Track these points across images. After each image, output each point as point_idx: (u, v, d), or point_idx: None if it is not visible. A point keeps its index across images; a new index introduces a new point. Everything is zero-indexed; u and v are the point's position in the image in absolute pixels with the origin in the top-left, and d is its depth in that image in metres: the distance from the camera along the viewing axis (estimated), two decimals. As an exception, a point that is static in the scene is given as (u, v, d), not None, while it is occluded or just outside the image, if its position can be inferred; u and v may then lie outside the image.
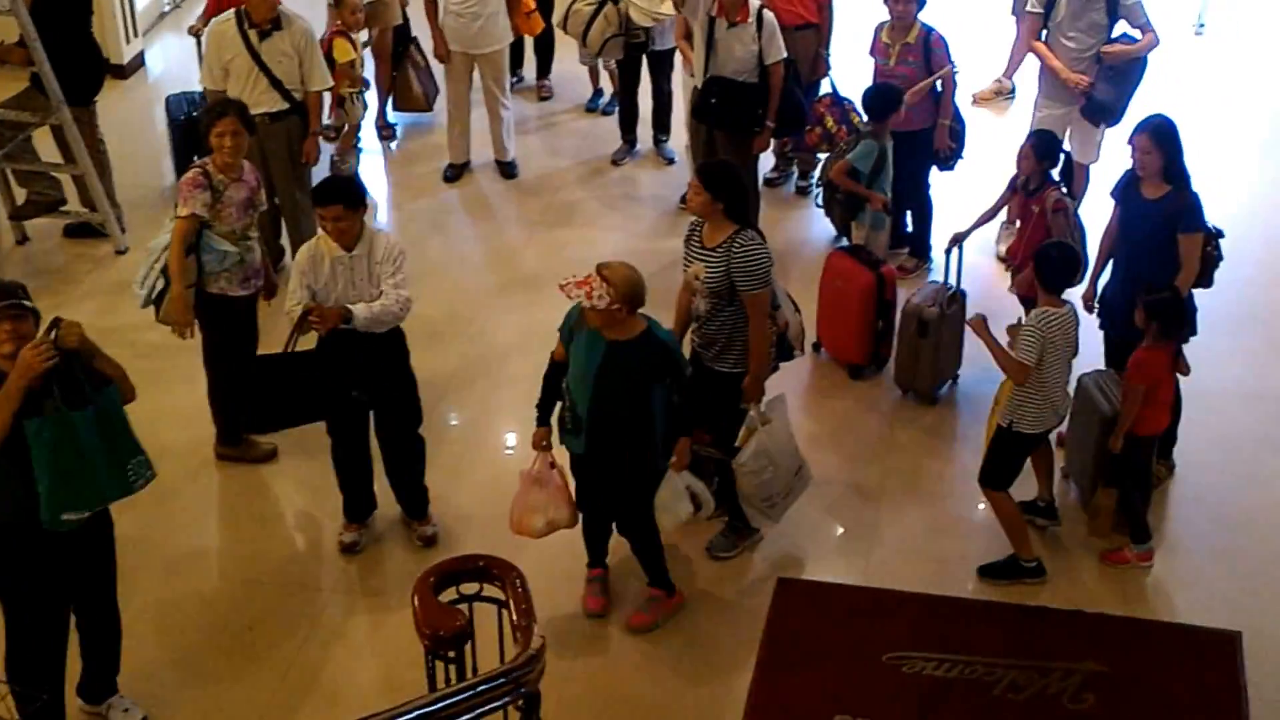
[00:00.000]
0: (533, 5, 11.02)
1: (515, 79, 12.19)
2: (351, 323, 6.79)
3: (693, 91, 9.52)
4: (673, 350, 6.49)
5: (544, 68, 12.17)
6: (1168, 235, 7.43)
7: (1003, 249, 9.63)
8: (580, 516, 6.91)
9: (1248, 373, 8.82)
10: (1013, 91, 11.82)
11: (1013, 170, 8.35)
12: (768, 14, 9.11)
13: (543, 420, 6.77)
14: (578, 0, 10.63)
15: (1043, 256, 7.06)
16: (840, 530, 7.73)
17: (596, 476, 6.75)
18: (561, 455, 6.83)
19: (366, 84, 10.59)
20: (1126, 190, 7.63)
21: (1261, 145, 11.46)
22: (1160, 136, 7.40)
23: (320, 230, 6.92)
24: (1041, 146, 8.20)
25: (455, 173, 10.86)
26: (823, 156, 10.26)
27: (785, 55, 9.20)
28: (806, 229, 10.27)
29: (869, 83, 9.36)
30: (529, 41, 11.87)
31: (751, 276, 6.79)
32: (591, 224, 10.37)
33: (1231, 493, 7.92)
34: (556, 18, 10.98)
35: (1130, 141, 7.52)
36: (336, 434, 7.30)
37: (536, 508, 6.82)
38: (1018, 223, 8.59)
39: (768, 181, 10.65)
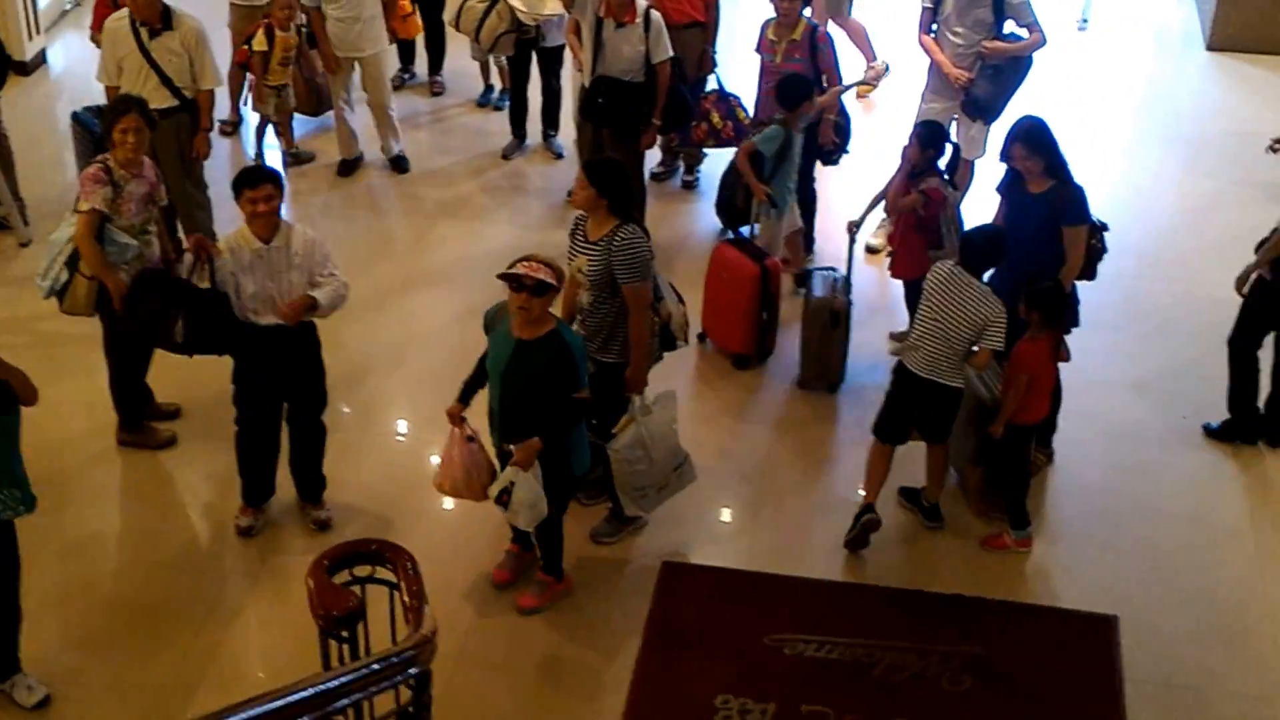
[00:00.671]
0: (409, 8, 11.04)
1: (408, 75, 12.22)
2: (316, 310, 6.96)
3: (580, 90, 9.54)
4: (575, 353, 6.50)
5: (435, 64, 12.16)
6: (1052, 229, 7.54)
7: (879, 240, 9.72)
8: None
9: (1128, 364, 8.97)
10: (887, 69, 11.96)
11: (896, 164, 8.49)
12: (655, 14, 9.16)
13: (462, 398, 6.82)
14: (469, -2, 10.66)
15: (965, 242, 7.26)
16: (725, 515, 7.82)
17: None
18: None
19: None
20: (1011, 185, 7.75)
21: (1142, 138, 11.64)
22: (1033, 142, 7.52)
23: (242, 221, 6.97)
24: (927, 135, 8.34)
25: (348, 168, 10.83)
26: (708, 152, 10.38)
27: (671, 54, 9.25)
28: (693, 223, 10.35)
29: (754, 79, 9.47)
30: (420, 37, 11.88)
31: (631, 269, 6.87)
32: (481, 217, 10.40)
33: (1110, 481, 8.05)
34: (448, 15, 10.96)
35: (1006, 154, 7.65)
36: (247, 422, 7.32)
37: (447, 473, 6.86)
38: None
39: (654, 176, 10.71)
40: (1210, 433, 8.33)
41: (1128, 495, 7.94)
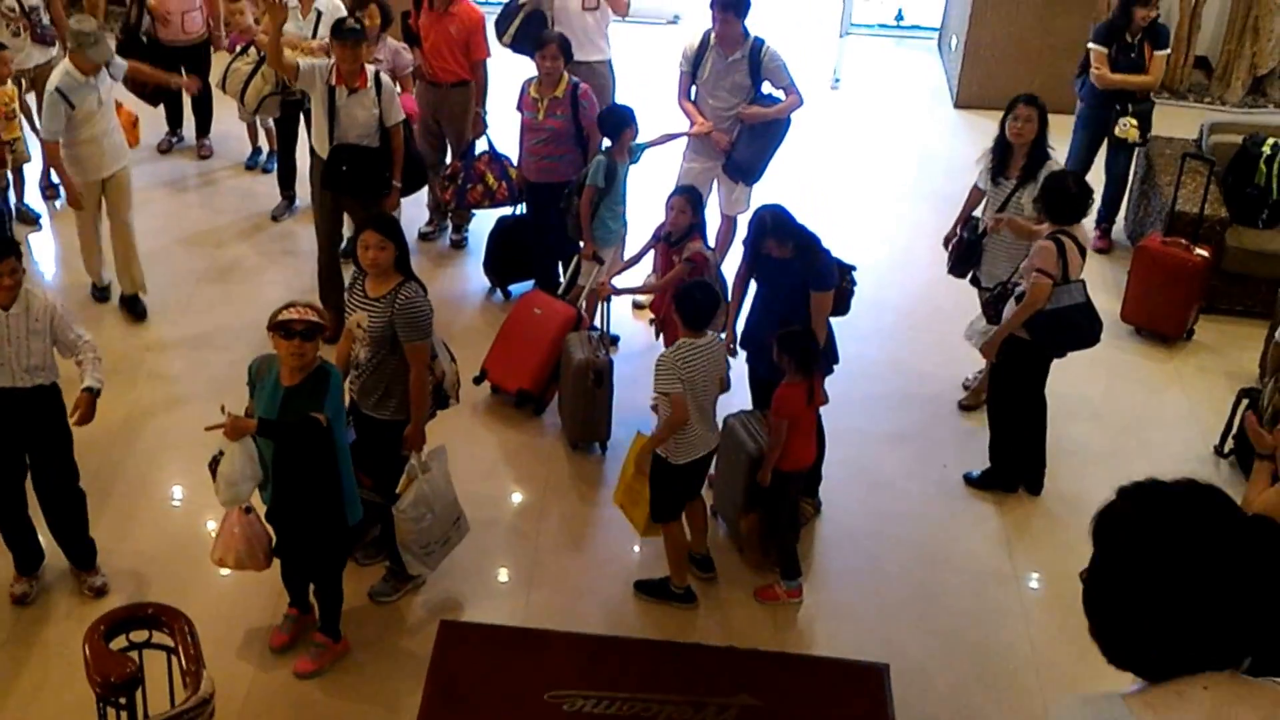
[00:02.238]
0: (134, 118, 10.75)
1: (175, 139, 12.11)
2: (99, 393, 7.02)
3: (316, 162, 9.34)
4: (331, 378, 6.46)
5: (203, 127, 12.09)
6: (801, 287, 7.75)
7: (645, 297, 9.83)
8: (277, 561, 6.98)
9: (889, 415, 9.22)
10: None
11: (658, 219, 8.69)
12: (384, 77, 9.14)
13: None
14: (236, 60, 10.61)
15: (684, 295, 7.25)
16: (502, 572, 7.88)
17: (287, 525, 6.77)
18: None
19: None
20: (758, 243, 7.88)
21: (898, 193, 12.00)
22: (781, 232, 7.71)
23: None
24: (696, 202, 8.51)
25: (102, 293, 10.17)
26: (476, 212, 10.52)
27: (404, 116, 9.28)
28: (463, 282, 10.45)
29: (517, 137, 9.66)
30: (187, 101, 11.81)
31: (414, 327, 6.93)
32: (253, 279, 10.35)
33: (876, 529, 8.26)
34: (215, 78, 10.94)
35: (758, 247, 7.81)
36: None
37: (230, 546, 6.82)
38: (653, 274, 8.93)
39: (423, 236, 10.82)
40: (971, 482, 8.59)
41: (894, 543, 8.14)
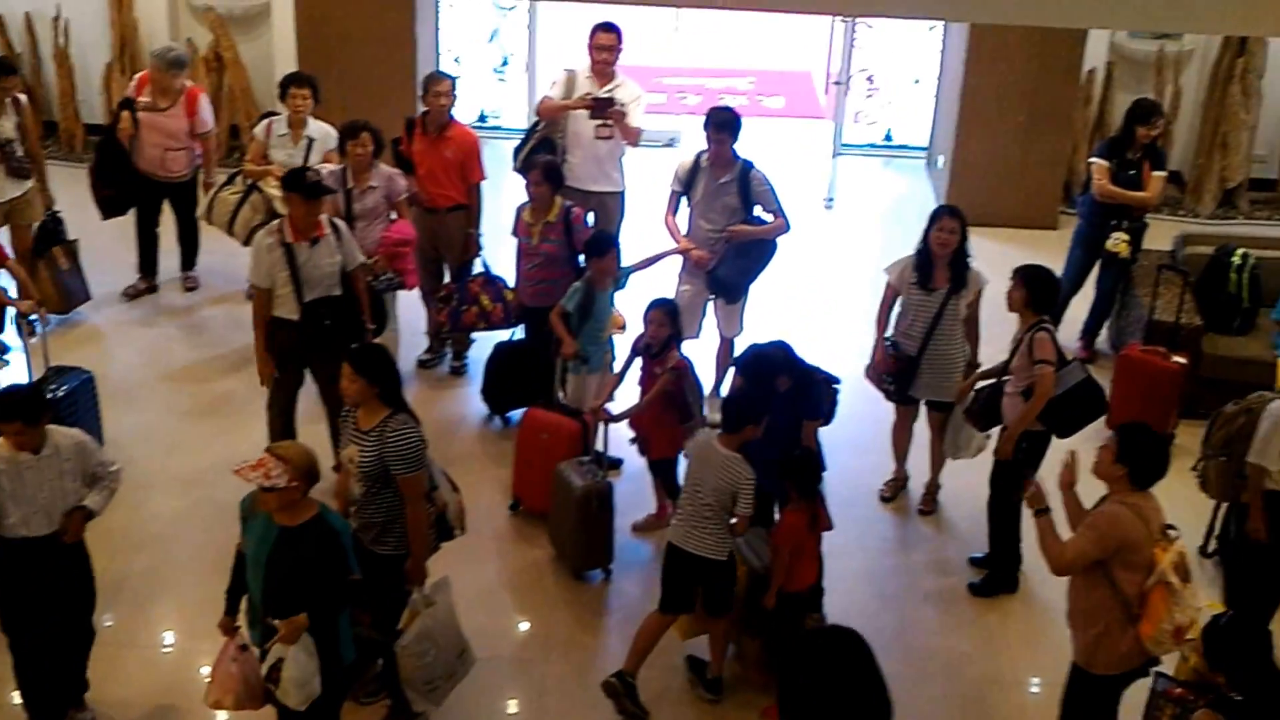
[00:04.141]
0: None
1: (147, 286, 11.89)
2: (95, 516, 6.96)
3: (283, 331, 8.80)
4: (342, 537, 6.37)
5: (189, 260, 11.96)
6: (794, 417, 7.94)
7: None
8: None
9: (889, 525, 9.25)
10: None
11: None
12: (338, 221, 8.97)
13: (230, 609, 6.65)
14: (223, 189, 10.58)
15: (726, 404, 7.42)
16: (510, 704, 7.72)
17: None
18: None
19: None
20: (765, 377, 7.93)
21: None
22: (759, 374, 7.84)
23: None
24: (673, 314, 8.50)
25: None
26: (476, 337, 10.44)
27: (362, 258, 9.09)
28: (463, 407, 10.34)
29: (514, 260, 9.67)
30: (168, 236, 11.71)
31: (405, 460, 6.80)
32: (241, 411, 10.15)
33: (883, 641, 8.11)
34: (200, 210, 10.89)
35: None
36: (20, 642, 7.08)
37: (228, 687, 6.62)
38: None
39: (422, 363, 10.72)
40: (976, 591, 8.61)
41: (902, 654, 8.05)
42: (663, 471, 8.79)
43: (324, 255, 8.69)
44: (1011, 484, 8.20)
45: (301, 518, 6.24)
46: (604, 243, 9.15)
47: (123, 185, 11.19)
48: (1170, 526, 6.55)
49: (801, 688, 4.37)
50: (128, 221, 11.56)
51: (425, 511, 7.01)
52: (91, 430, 8.57)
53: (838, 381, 8.30)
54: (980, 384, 8.61)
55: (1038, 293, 8.15)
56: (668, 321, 8.45)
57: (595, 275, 8.99)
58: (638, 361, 8.74)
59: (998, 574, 8.62)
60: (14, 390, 7.18)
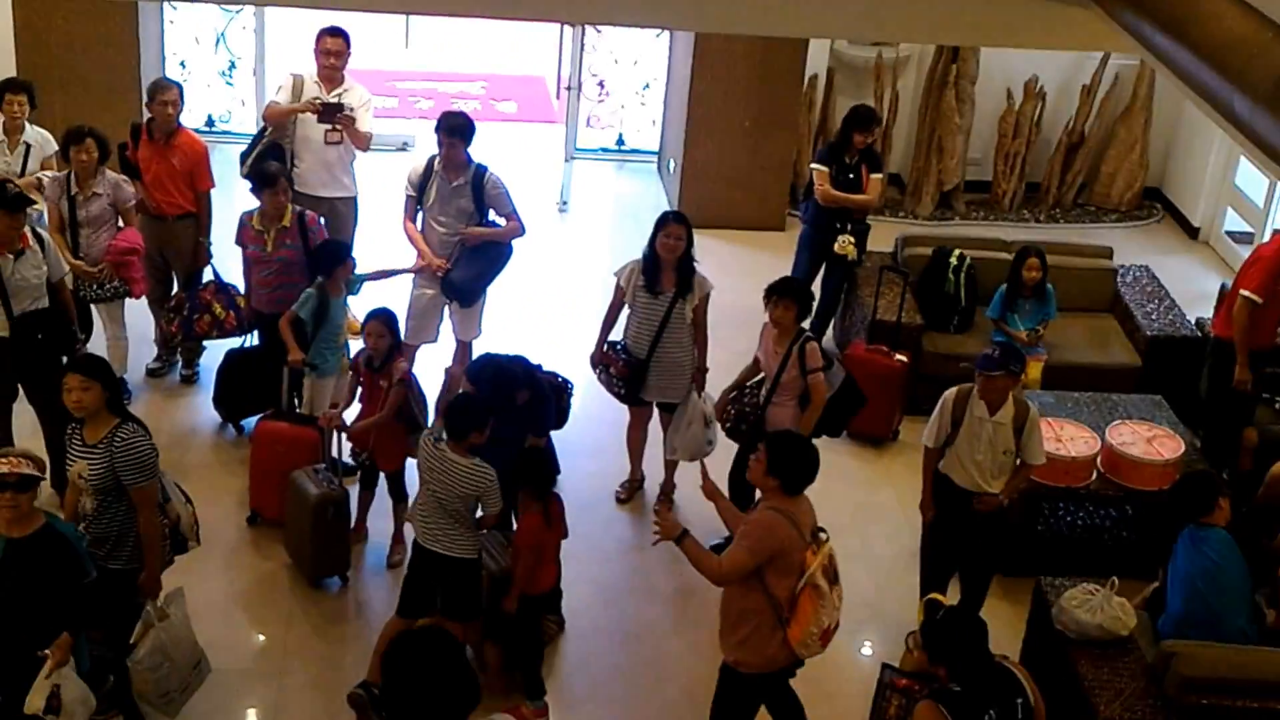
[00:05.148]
0: None
1: None
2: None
3: None
4: (73, 544, 6.28)
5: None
6: (524, 427, 8.14)
7: None
8: None
9: (625, 529, 9.37)
10: None
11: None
12: (41, 231, 8.75)
13: None
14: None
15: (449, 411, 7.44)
16: (249, 715, 7.69)
17: (13, 682, 6.36)
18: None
19: None
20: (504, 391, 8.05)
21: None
22: (507, 383, 8.01)
23: None
24: (392, 324, 8.48)
25: None
26: (207, 344, 10.30)
27: (67, 269, 8.92)
28: (194, 416, 10.13)
29: (240, 268, 9.62)
30: None
31: (137, 469, 6.73)
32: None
33: (615, 643, 8.36)
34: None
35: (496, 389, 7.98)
36: None
37: None
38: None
39: (151, 372, 10.49)
40: None
41: (632, 655, 8.23)
42: (395, 481, 8.79)
43: (29, 267, 8.43)
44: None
45: (30, 528, 6.15)
46: (339, 253, 9.13)
47: None
48: (820, 529, 6.72)
49: (395, 684, 5.06)
50: None
51: (159, 522, 6.93)
52: None
53: (570, 386, 8.41)
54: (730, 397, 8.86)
55: (804, 305, 8.52)
56: (387, 333, 8.42)
57: (329, 283, 8.97)
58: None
59: None
60: None
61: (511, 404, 7.94)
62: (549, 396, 8.33)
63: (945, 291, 10.87)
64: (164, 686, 6.98)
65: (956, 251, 11.01)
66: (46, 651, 6.21)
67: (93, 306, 9.68)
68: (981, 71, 13.96)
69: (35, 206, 9.01)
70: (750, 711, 7.03)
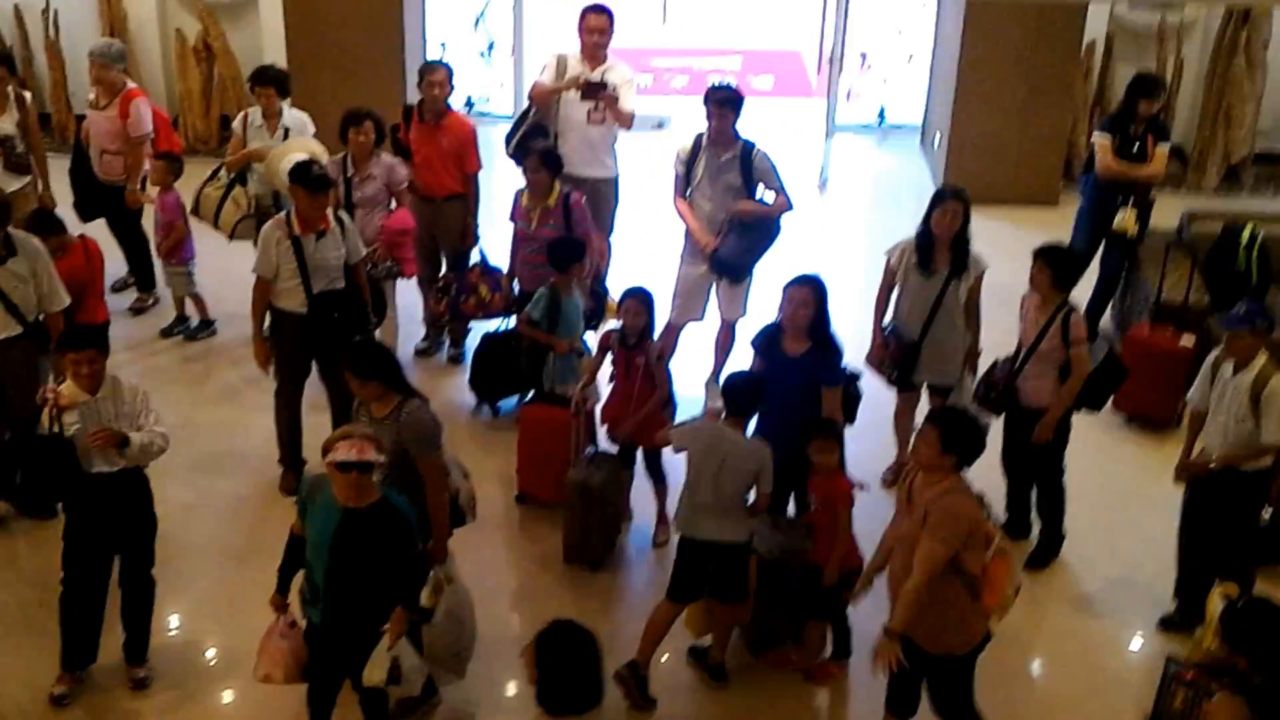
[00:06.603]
0: None
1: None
2: (126, 448, 6.96)
3: (288, 321, 8.77)
4: (408, 519, 6.37)
5: (138, 279, 11.60)
6: (812, 386, 7.81)
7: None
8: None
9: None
10: None
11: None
12: (344, 215, 8.90)
13: (282, 588, 6.69)
14: (207, 184, 10.48)
15: (729, 389, 7.32)
16: (510, 688, 7.68)
17: (332, 646, 6.54)
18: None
19: None
20: (769, 344, 7.95)
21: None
22: (819, 292, 7.80)
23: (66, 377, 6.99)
24: (649, 303, 8.40)
25: None
26: (473, 325, 10.42)
27: (365, 251, 9.06)
28: (464, 395, 10.23)
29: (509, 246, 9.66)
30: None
31: (424, 443, 6.88)
32: (249, 402, 10.02)
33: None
34: (188, 202, 10.72)
35: (787, 291, 7.83)
36: (73, 580, 7.26)
37: (278, 660, 6.68)
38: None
39: (419, 352, 10.66)
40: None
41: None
42: (653, 460, 8.69)
43: (330, 248, 8.63)
44: (1053, 462, 8.44)
45: (367, 500, 6.25)
46: (575, 251, 9.05)
47: (83, 189, 11.11)
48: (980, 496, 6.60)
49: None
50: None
51: (445, 492, 7.09)
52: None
53: (858, 376, 8.25)
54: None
55: (1062, 271, 8.18)
56: (644, 310, 8.35)
57: (563, 282, 8.94)
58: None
59: (1051, 542, 8.71)
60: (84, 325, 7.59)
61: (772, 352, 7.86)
62: (835, 346, 7.96)
63: (1236, 270, 10.31)
64: (456, 647, 7.09)
65: (1250, 226, 10.42)
66: (386, 626, 6.38)
67: (385, 289, 9.85)
68: (1275, 35, 13.27)
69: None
70: (972, 689, 6.80)
